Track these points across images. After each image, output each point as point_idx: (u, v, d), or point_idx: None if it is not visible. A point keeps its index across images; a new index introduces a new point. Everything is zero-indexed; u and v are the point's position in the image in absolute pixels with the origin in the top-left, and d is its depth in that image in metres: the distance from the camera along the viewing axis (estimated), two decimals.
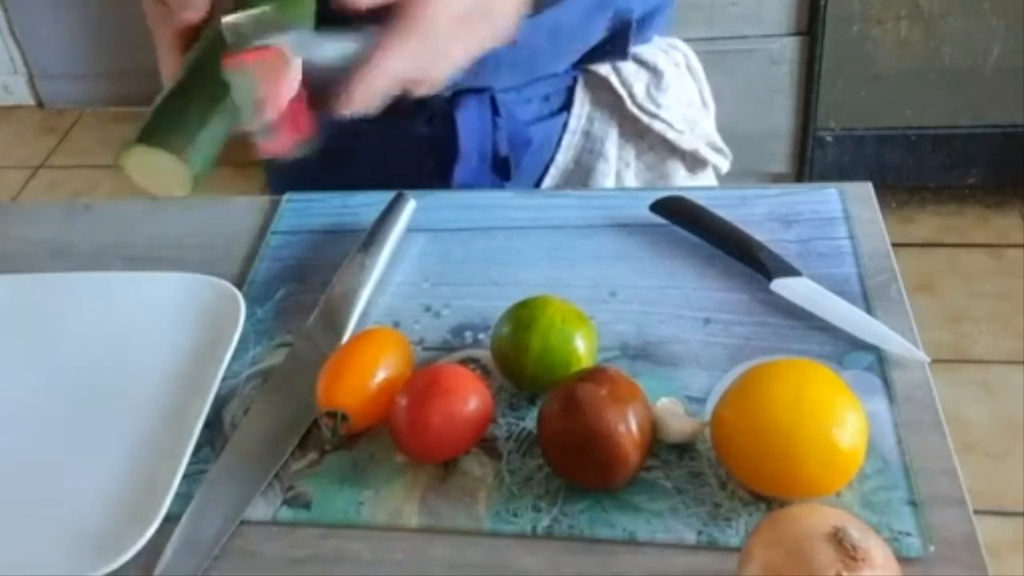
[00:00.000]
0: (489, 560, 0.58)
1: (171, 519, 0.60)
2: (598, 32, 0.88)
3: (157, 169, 0.61)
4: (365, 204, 0.82)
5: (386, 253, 0.76)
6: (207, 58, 0.62)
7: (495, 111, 0.87)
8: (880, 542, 0.49)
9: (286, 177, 0.91)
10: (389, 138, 0.89)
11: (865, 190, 0.80)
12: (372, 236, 0.77)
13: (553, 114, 0.91)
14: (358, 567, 0.58)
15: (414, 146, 0.89)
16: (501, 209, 0.82)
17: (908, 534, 0.56)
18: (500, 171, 0.89)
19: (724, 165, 0.97)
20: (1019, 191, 2.17)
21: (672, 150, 0.93)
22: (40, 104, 2.91)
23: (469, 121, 0.86)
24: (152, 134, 0.60)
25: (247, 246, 0.82)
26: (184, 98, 0.62)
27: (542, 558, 0.57)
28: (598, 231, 0.79)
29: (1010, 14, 1.89)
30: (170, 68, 0.64)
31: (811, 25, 1.94)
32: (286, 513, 0.61)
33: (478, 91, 0.86)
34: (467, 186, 0.88)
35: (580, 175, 0.92)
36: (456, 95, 0.86)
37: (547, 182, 0.93)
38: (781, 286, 0.71)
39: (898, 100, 2.02)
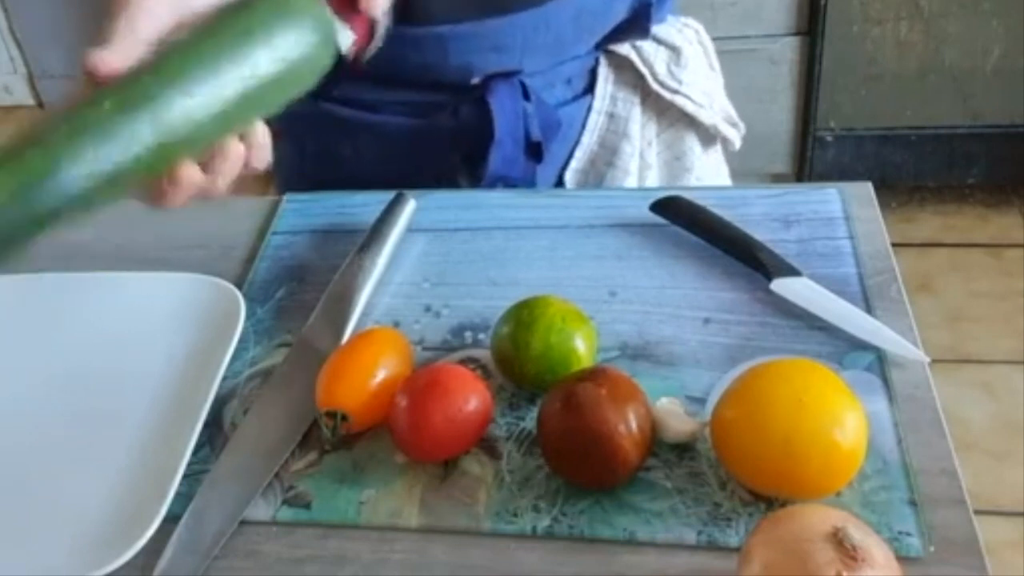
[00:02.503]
0: (489, 560, 0.58)
1: (171, 519, 0.60)
2: (620, 12, 0.89)
3: None
4: (365, 204, 0.82)
5: (386, 253, 0.76)
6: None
7: (525, 96, 0.87)
8: (880, 542, 0.49)
9: (302, 179, 0.91)
10: (416, 135, 0.89)
11: (865, 190, 0.80)
12: (372, 236, 0.77)
13: (577, 97, 0.92)
14: (358, 567, 0.58)
15: (442, 140, 0.89)
16: (501, 209, 0.82)
17: (908, 534, 0.56)
18: (533, 156, 0.89)
19: (737, 140, 0.97)
20: (1019, 191, 2.17)
21: (690, 126, 0.94)
22: (40, 104, 2.91)
23: (502, 107, 0.86)
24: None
25: (247, 246, 0.82)
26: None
27: (542, 558, 0.57)
28: (598, 231, 0.79)
29: (1010, 14, 1.89)
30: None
31: (811, 25, 1.94)
32: (286, 513, 0.61)
33: (507, 76, 0.86)
34: (501, 174, 0.88)
35: (605, 156, 0.93)
36: (486, 81, 0.86)
37: (573, 164, 0.93)
38: (781, 286, 0.71)
39: (898, 100, 2.02)
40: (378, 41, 0.63)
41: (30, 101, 2.92)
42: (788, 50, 1.98)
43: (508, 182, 0.88)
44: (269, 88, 0.57)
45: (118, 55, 0.53)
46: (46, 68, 2.85)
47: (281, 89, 0.58)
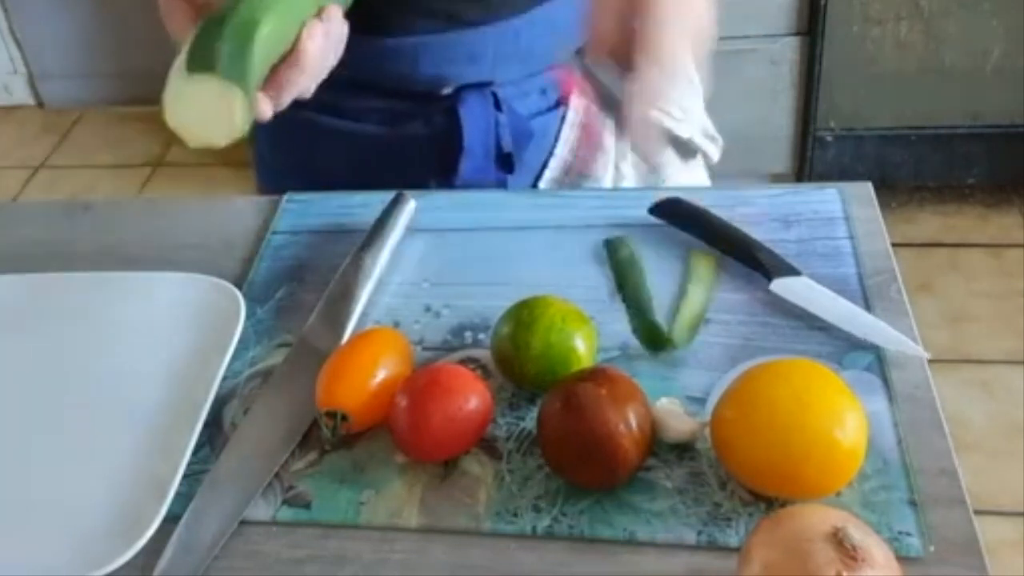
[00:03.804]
0: (489, 560, 0.58)
1: (171, 519, 0.60)
2: None
3: (206, 107, 0.57)
4: (365, 204, 0.82)
5: (386, 253, 0.76)
6: None
7: (497, 106, 0.87)
8: (880, 542, 0.49)
9: (278, 181, 0.91)
10: (388, 143, 0.89)
11: (865, 190, 0.80)
12: (372, 236, 0.77)
13: (551, 107, 0.92)
14: (358, 567, 0.58)
15: (413, 148, 0.89)
16: (501, 209, 0.82)
17: (908, 534, 0.56)
18: (504, 166, 0.89)
19: (716, 153, 0.97)
20: (1019, 191, 2.17)
21: (667, 139, 0.94)
22: (40, 104, 2.91)
23: (473, 117, 0.86)
24: (204, 61, 0.56)
25: (247, 246, 0.82)
26: (229, 21, 0.59)
27: (542, 558, 0.57)
28: (598, 231, 0.79)
29: (1010, 14, 1.89)
30: (179, 18, 0.63)
31: (811, 25, 1.94)
32: (286, 513, 0.61)
33: (480, 87, 0.86)
34: (471, 183, 0.88)
35: (579, 167, 0.93)
36: (458, 91, 0.86)
37: (547, 175, 0.93)
38: (781, 286, 0.71)
39: (898, 100, 2.02)
40: None
41: (30, 101, 2.92)
42: (788, 50, 1.98)
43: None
44: None
45: None
46: (46, 68, 2.85)
47: None
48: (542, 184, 0.93)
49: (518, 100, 0.89)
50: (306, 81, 0.66)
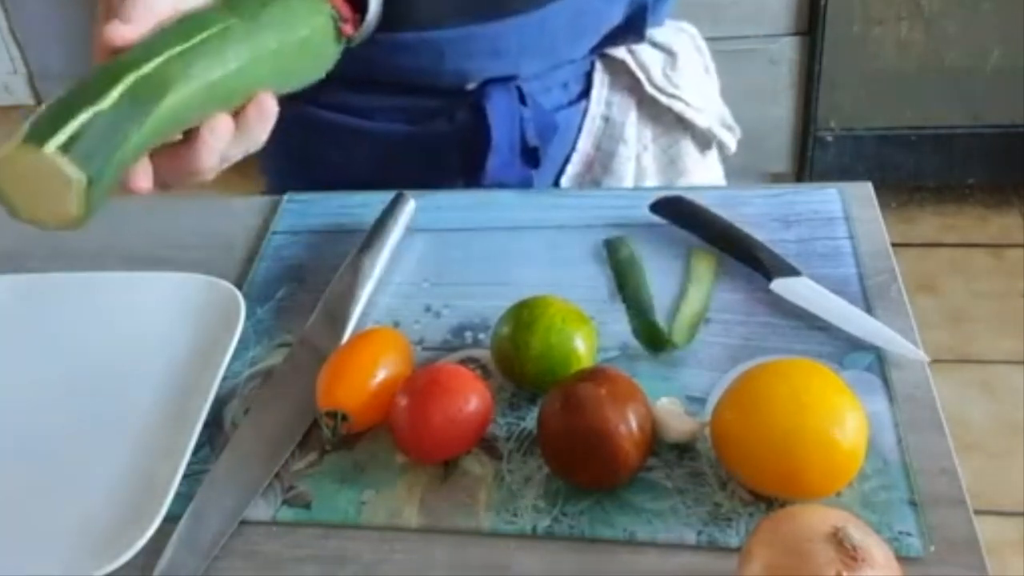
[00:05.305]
0: (489, 560, 0.58)
1: (171, 519, 0.60)
2: (616, 16, 0.89)
3: (44, 187, 0.47)
4: (365, 204, 0.82)
5: (386, 253, 0.76)
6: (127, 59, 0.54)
7: (521, 100, 0.87)
8: (880, 542, 0.49)
9: (290, 184, 0.91)
10: (412, 141, 0.89)
11: (865, 190, 0.80)
12: (372, 236, 0.77)
13: (573, 101, 0.92)
14: (358, 567, 0.58)
15: (438, 145, 0.89)
16: (501, 209, 0.82)
17: (908, 534, 0.56)
18: (529, 161, 0.89)
19: (733, 143, 0.97)
20: (1019, 191, 2.17)
21: (685, 130, 0.94)
22: (40, 104, 2.91)
23: (498, 112, 0.86)
24: (37, 133, 0.47)
25: (247, 246, 0.82)
26: (87, 93, 0.50)
27: (542, 558, 0.57)
28: (598, 231, 0.79)
29: (1010, 14, 1.89)
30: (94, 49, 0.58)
31: (811, 25, 1.94)
32: (286, 513, 0.61)
33: (504, 81, 0.86)
34: (499, 180, 0.88)
35: (602, 160, 0.93)
36: (482, 87, 0.86)
37: (570, 169, 0.93)
38: (781, 286, 0.71)
39: (898, 100, 2.02)
40: (370, 23, 0.65)
41: (30, 101, 2.92)
42: (788, 50, 1.98)
43: (505, 188, 0.88)
44: (275, 60, 0.61)
45: (132, 28, 0.58)
46: (46, 68, 2.85)
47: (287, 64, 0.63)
48: (564, 179, 0.93)
49: (541, 94, 0.89)
50: (197, 179, 0.59)
